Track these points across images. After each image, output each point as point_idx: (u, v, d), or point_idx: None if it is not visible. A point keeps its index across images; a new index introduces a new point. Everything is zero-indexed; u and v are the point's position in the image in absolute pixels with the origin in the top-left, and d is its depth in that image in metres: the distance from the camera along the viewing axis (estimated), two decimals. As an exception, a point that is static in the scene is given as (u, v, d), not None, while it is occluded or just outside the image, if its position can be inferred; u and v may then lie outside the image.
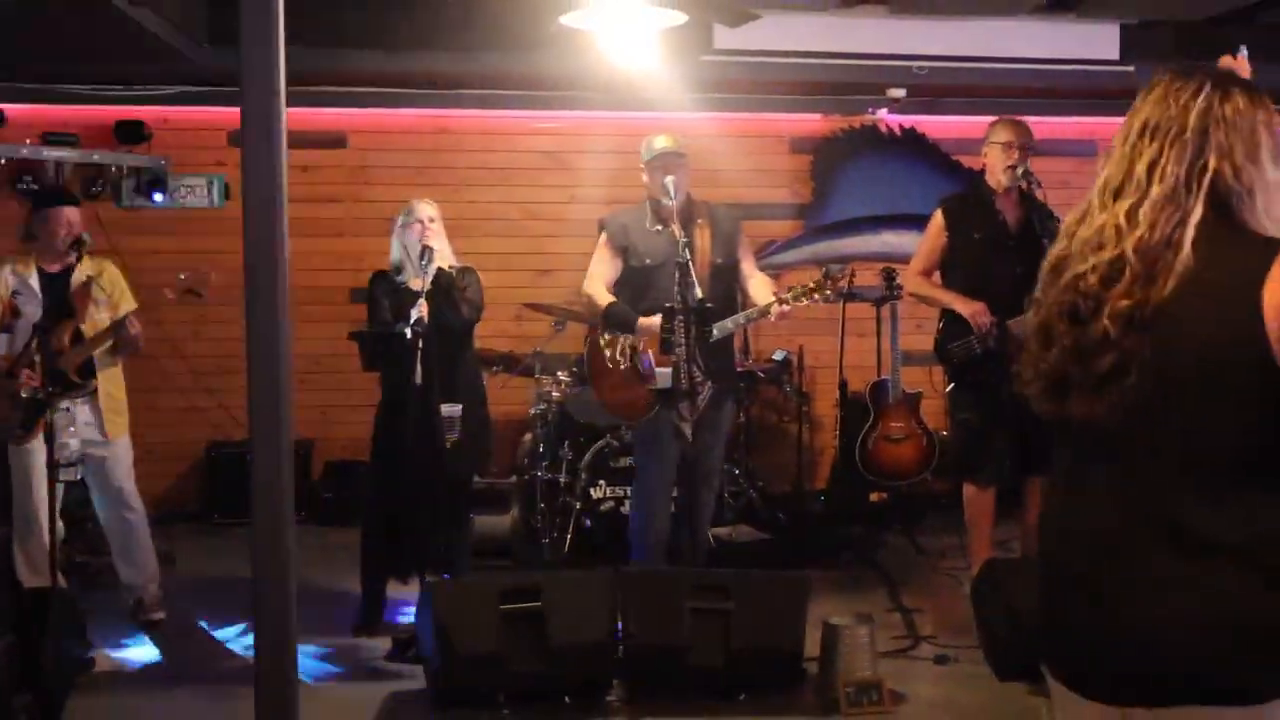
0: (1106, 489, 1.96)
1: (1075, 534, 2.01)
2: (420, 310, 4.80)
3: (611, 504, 6.25)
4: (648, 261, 5.08)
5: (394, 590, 5.31)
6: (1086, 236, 2.00)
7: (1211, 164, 1.93)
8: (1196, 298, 1.88)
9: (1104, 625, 1.94)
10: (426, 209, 5.20)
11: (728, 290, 5.15)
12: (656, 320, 4.86)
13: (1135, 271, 1.91)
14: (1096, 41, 6.85)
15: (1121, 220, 1.95)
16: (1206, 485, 1.88)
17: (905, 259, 5.40)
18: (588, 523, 6.28)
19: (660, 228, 5.08)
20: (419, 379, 4.76)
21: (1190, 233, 1.91)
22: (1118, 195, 1.98)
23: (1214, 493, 1.87)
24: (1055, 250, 2.07)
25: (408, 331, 4.73)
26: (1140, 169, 1.97)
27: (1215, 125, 1.95)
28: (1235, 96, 1.97)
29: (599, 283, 5.17)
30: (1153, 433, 1.91)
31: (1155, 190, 1.95)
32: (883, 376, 6.78)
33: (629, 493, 5.93)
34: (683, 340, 4.83)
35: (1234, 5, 6.13)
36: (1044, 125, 7.04)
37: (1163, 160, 1.95)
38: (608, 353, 5.20)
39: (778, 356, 7.28)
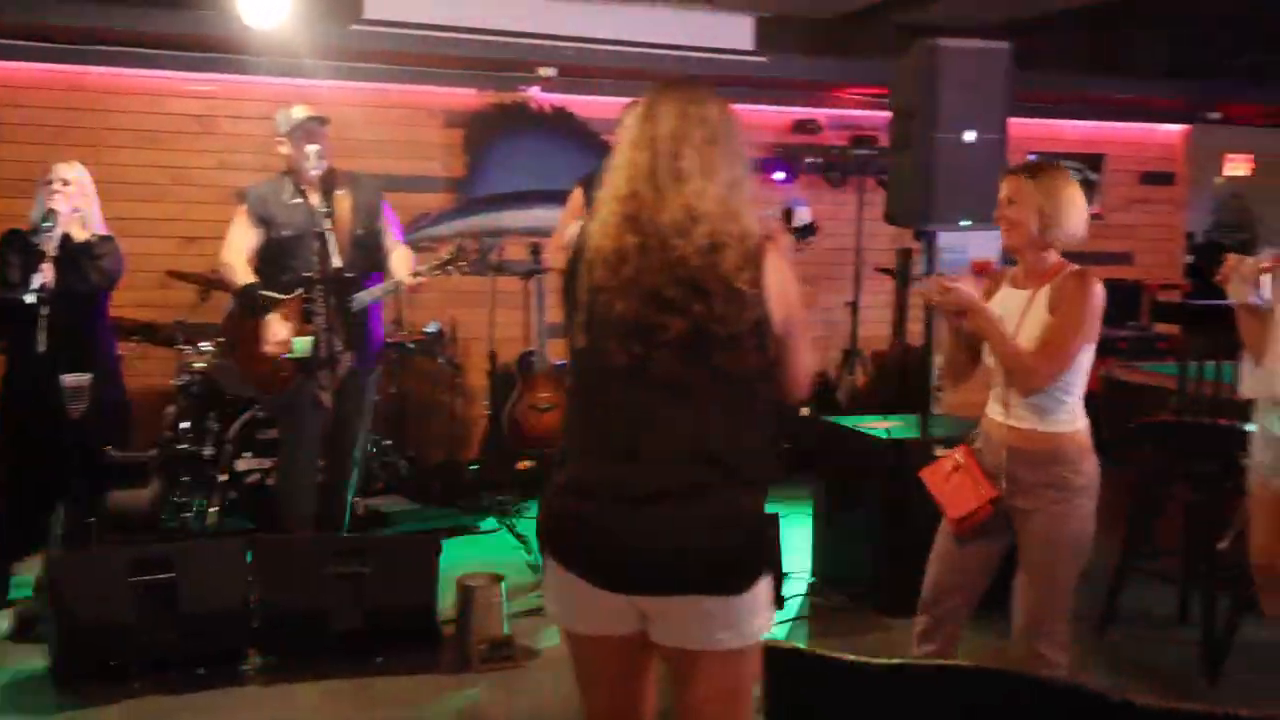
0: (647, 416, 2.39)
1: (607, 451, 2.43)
2: (44, 275, 4.62)
3: (258, 476, 6.20)
4: (286, 233, 5.01)
5: (23, 567, 5.11)
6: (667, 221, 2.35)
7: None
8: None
9: (631, 526, 2.34)
10: (63, 170, 4.98)
11: (371, 261, 5.17)
12: (281, 327, 4.88)
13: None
14: (732, 32, 7.31)
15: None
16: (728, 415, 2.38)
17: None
18: (234, 495, 6.21)
19: (299, 199, 5.04)
20: (41, 347, 4.59)
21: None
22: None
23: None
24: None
25: (28, 297, 4.55)
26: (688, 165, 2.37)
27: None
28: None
29: (238, 254, 5.04)
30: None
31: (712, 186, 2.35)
32: (530, 348, 7.02)
33: (276, 464, 5.89)
34: (322, 310, 4.87)
35: (861, 4, 6.67)
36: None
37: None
38: (249, 323, 5.15)
39: (430, 329, 7.38)
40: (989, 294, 3.56)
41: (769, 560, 2.50)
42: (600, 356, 2.38)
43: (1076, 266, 3.44)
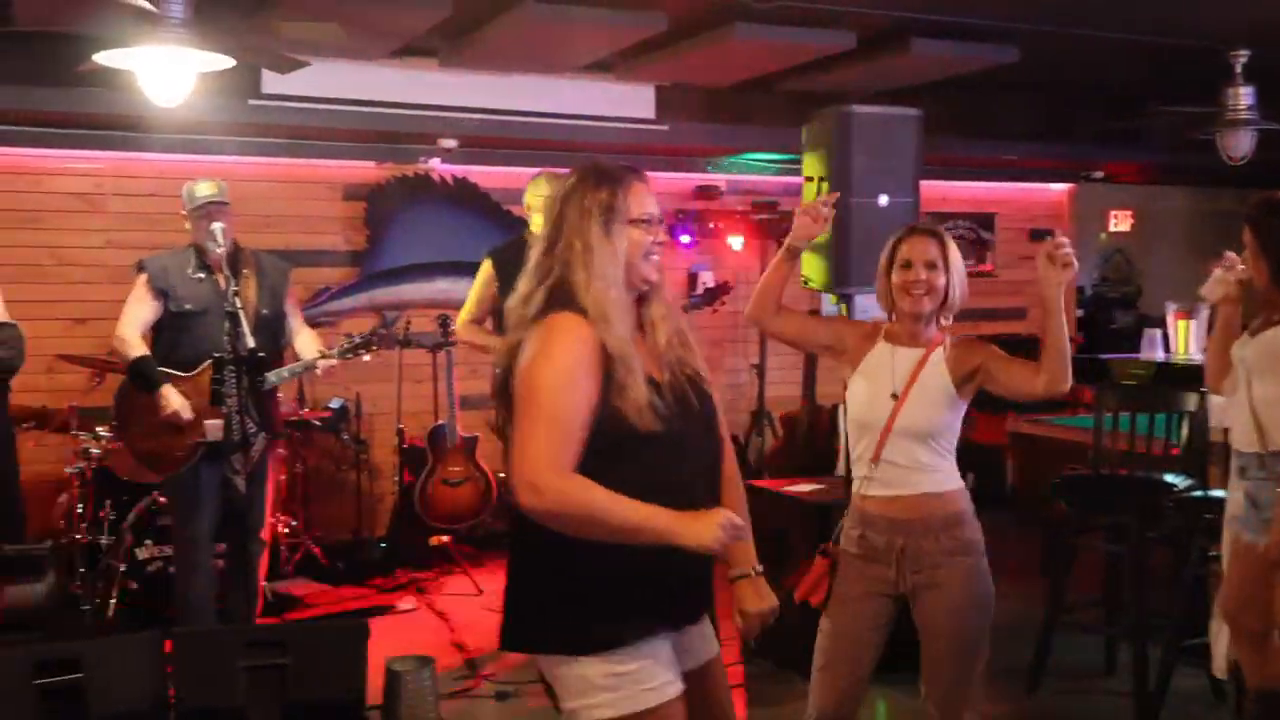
0: None
1: None
2: (-67, 366, 4.41)
3: (160, 564, 5.94)
4: (188, 307, 4.86)
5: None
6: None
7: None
8: None
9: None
10: None
11: (274, 342, 5.05)
12: (177, 399, 4.75)
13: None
14: (633, 101, 7.35)
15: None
16: None
17: (460, 305, 5.53)
18: (134, 585, 5.95)
19: (204, 275, 4.91)
20: (-66, 440, 4.36)
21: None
22: None
23: None
24: None
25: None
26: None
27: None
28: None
29: (133, 328, 4.87)
30: None
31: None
32: (440, 422, 6.89)
33: (174, 551, 5.66)
34: (234, 391, 4.72)
35: (753, 75, 6.77)
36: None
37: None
38: (143, 399, 4.96)
39: (334, 404, 7.22)
40: (863, 349, 3.46)
41: None
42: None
43: (962, 335, 3.45)
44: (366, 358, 5.17)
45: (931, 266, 3.35)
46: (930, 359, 3.36)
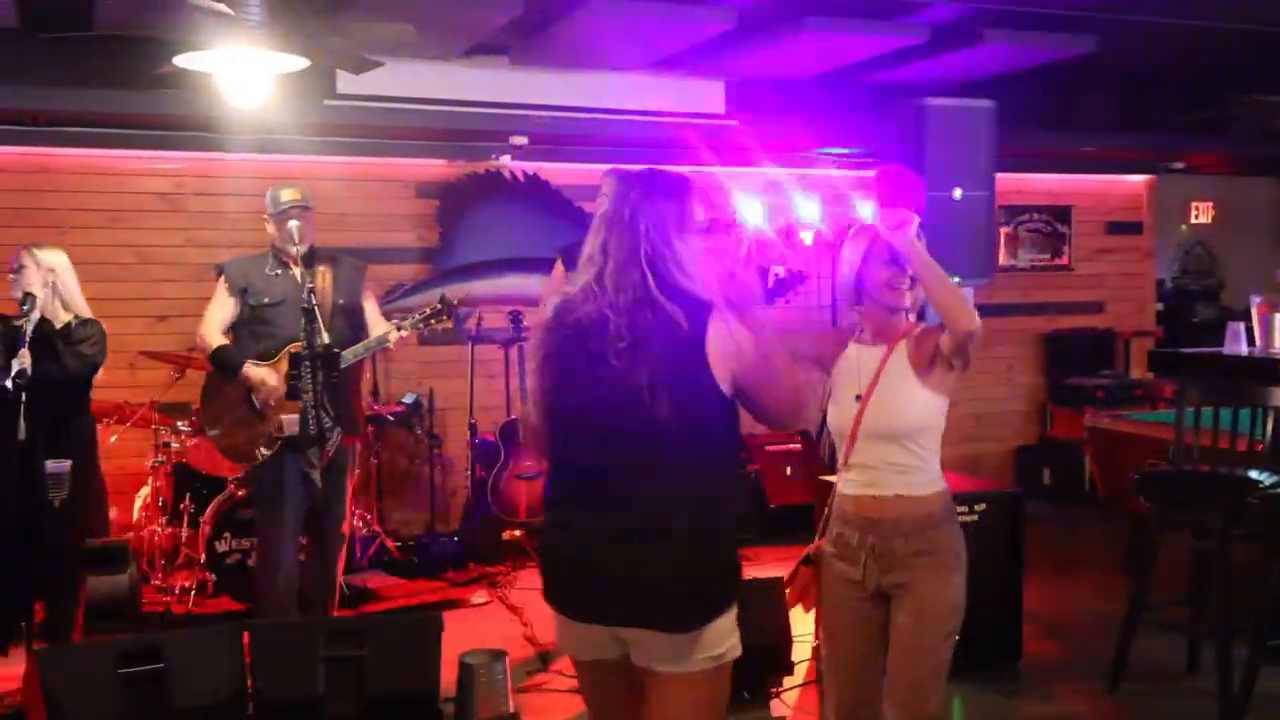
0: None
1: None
2: (22, 361, 4.52)
3: (238, 557, 6.03)
4: (265, 300, 5.01)
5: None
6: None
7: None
8: None
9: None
10: (38, 255, 4.96)
11: (352, 334, 5.14)
12: (260, 371, 4.89)
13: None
14: (704, 97, 7.33)
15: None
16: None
17: (531, 301, 5.55)
18: (214, 577, 6.05)
19: (280, 271, 5.03)
20: (21, 435, 4.47)
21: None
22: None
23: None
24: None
25: (8, 384, 4.44)
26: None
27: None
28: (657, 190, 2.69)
29: (213, 325, 5.04)
30: None
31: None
32: (512, 416, 6.92)
33: (256, 544, 5.75)
34: (310, 386, 4.78)
35: (825, 69, 6.73)
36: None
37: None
38: (227, 393, 5.07)
39: (407, 399, 7.28)
40: (834, 356, 3.39)
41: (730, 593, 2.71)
42: None
43: (923, 324, 3.34)
44: (438, 328, 5.31)
45: (894, 262, 3.26)
46: (894, 352, 3.27)
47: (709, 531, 2.64)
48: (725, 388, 2.61)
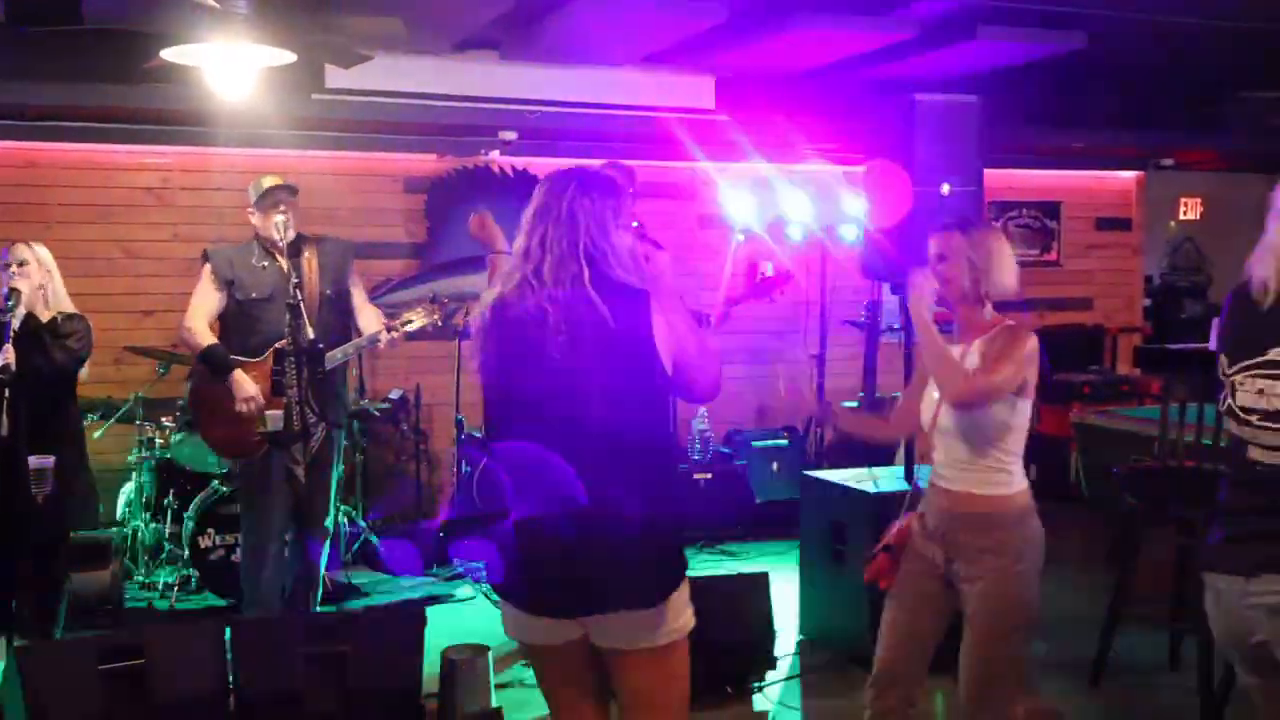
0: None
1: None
2: (6, 356, 4.50)
3: (222, 552, 6.02)
4: (254, 295, 4.95)
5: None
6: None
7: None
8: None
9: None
10: (21, 251, 4.93)
11: (339, 322, 5.10)
12: (249, 387, 4.86)
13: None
14: (693, 91, 7.31)
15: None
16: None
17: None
18: (196, 573, 6.04)
19: (268, 263, 4.98)
20: (5, 430, 4.45)
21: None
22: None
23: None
24: None
25: (-9, 379, 4.42)
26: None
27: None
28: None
29: (200, 318, 4.97)
30: None
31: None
32: (500, 412, 6.89)
33: (239, 539, 5.74)
34: (294, 382, 4.76)
35: (815, 64, 6.72)
36: (649, 168, 7.44)
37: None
38: (217, 390, 5.04)
39: (394, 395, 7.28)
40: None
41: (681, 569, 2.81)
42: None
43: (1012, 321, 3.38)
44: (429, 327, 5.25)
45: (940, 259, 3.41)
46: (969, 354, 3.36)
47: (660, 508, 2.72)
48: (669, 370, 2.71)
